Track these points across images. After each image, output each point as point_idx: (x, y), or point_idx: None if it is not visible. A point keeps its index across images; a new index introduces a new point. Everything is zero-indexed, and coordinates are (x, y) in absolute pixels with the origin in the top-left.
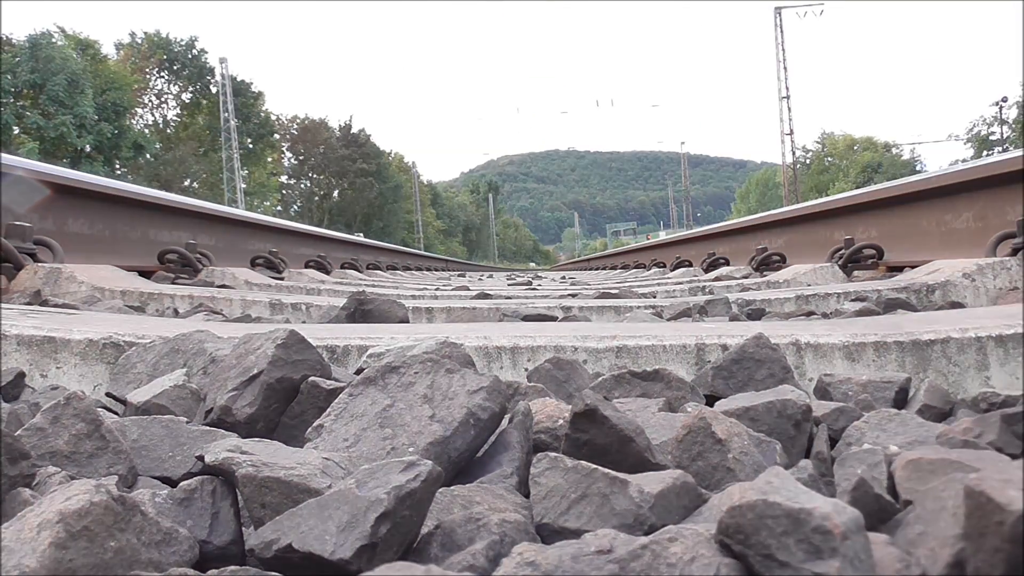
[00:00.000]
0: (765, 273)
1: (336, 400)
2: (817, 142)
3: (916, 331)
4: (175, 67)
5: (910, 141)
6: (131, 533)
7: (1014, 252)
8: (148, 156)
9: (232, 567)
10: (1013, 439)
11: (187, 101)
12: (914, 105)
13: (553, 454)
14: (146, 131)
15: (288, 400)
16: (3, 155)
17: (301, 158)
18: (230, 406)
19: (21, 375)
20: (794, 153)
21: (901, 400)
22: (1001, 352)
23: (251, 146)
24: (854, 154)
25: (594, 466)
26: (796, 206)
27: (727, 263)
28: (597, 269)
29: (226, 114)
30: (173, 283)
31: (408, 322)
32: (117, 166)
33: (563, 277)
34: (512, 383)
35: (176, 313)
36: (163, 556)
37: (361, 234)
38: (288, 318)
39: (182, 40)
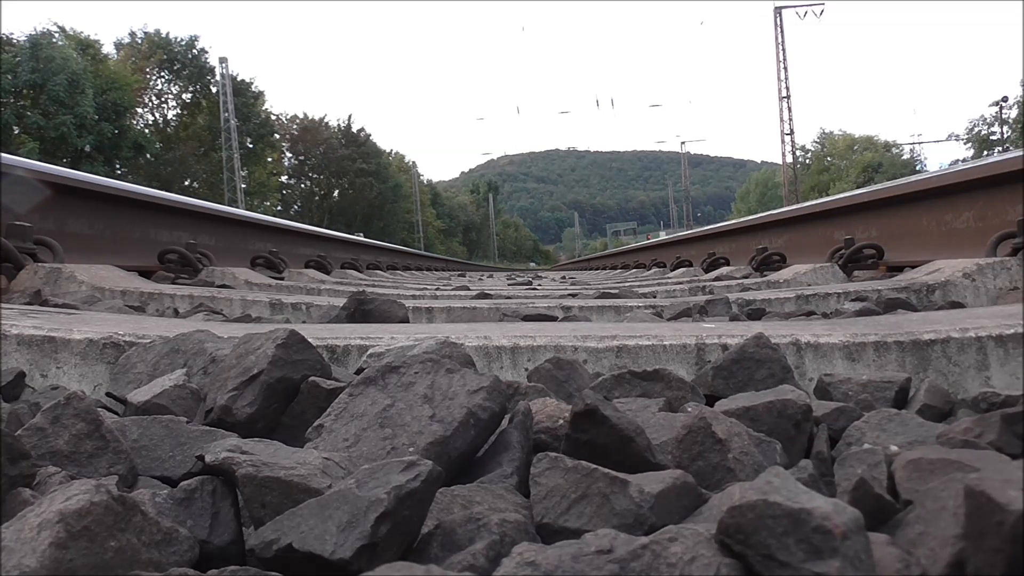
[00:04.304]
0: (765, 273)
1: (336, 400)
2: (817, 142)
3: (916, 331)
4: (175, 67)
5: (910, 141)
6: (131, 533)
7: (1014, 252)
8: (148, 156)
9: (232, 567)
10: (1013, 439)
11: (187, 101)
12: (914, 105)
13: (553, 454)
14: (146, 131)
15: (288, 400)
16: (3, 155)
17: (301, 158)
18: (230, 406)
19: (21, 375)
20: (794, 153)
21: (901, 400)
22: (1001, 352)
23: (251, 146)
24: (854, 154)
25: (594, 466)
26: (796, 206)
27: (727, 263)
28: (597, 269)
29: (226, 114)
30: (173, 283)
31: (408, 322)
32: (117, 166)
33: (563, 277)
34: (512, 383)
35: (176, 313)
36: (163, 556)
37: (361, 234)
38: (288, 318)
39: (182, 40)
